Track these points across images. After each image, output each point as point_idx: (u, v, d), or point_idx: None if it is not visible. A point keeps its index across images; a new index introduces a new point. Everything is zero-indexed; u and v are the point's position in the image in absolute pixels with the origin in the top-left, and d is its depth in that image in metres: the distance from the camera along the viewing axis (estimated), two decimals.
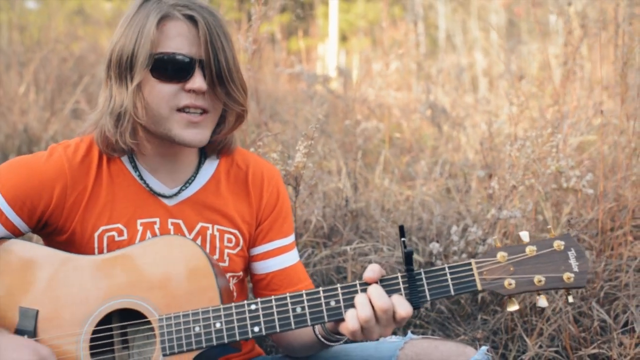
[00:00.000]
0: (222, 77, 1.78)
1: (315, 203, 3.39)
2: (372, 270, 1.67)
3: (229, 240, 1.97)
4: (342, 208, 3.35)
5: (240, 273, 2.02)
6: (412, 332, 2.11)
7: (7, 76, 6.08)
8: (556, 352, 2.75)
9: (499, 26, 10.14)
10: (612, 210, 3.14)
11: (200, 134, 1.82)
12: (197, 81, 1.77)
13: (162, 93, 1.78)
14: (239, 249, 1.99)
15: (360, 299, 1.65)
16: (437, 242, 2.98)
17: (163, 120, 1.80)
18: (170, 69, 1.77)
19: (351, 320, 1.64)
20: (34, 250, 1.79)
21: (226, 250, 1.96)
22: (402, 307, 1.63)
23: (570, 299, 1.65)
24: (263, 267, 2.03)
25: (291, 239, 2.07)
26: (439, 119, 4.93)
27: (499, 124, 4.00)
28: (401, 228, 1.67)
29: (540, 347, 2.73)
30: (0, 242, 1.80)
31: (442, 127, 4.94)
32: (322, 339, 1.82)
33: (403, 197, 3.98)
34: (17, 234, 1.84)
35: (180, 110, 1.80)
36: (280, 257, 2.03)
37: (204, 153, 2.00)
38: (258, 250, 2.03)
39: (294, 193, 2.71)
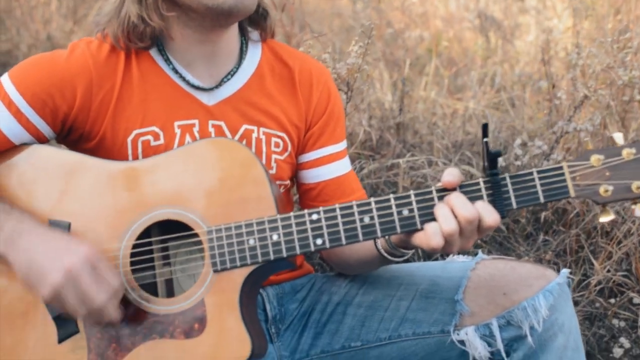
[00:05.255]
0: None
1: (361, 114, 3.14)
2: (452, 174, 1.41)
3: (277, 145, 1.74)
4: (389, 119, 3.11)
5: (288, 182, 1.80)
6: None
7: None
8: (624, 276, 2.54)
9: None
10: None
11: None
12: None
13: None
14: (287, 154, 1.76)
15: (442, 210, 1.41)
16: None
17: None
18: None
19: (434, 236, 1.40)
20: (62, 155, 1.57)
21: (273, 156, 1.74)
22: (490, 215, 1.39)
23: None
24: (313, 176, 1.81)
25: (343, 145, 1.85)
26: (488, 29, 4.58)
27: (557, 33, 3.67)
28: (484, 126, 1.43)
29: (609, 271, 2.53)
30: (24, 147, 1.58)
31: (491, 37, 4.59)
32: (386, 254, 1.59)
33: (450, 110, 3.72)
34: (41, 139, 1.62)
35: None
36: (333, 165, 1.80)
37: (245, 39, 1.75)
38: (308, 157, 1.80)
39: (346, 99, 2.46)
